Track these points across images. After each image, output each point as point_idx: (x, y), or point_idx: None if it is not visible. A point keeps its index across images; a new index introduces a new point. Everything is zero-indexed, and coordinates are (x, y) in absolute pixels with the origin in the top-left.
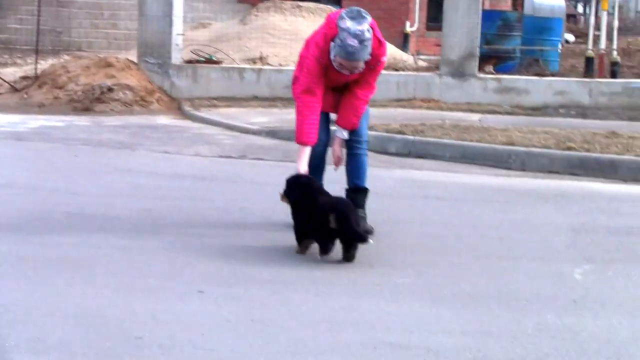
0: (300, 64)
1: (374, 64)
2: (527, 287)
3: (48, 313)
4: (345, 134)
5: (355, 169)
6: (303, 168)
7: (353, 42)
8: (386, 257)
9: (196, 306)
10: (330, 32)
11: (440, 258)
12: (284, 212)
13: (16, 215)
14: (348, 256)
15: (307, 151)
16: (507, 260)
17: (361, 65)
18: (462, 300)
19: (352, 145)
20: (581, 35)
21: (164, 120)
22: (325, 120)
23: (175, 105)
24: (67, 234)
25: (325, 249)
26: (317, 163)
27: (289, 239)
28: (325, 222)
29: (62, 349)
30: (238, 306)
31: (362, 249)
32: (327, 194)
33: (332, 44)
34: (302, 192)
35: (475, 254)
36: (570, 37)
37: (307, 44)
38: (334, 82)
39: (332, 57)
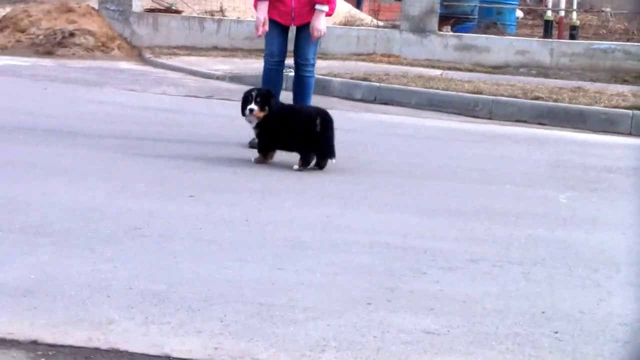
0: None
1: None
2: (515, 207)
3: (47, 205)
4: (324, 8)
5: (301, 90)
6: (263, 16)
7: None
8: (370, 178)
9: (189, 207)
10: None
11: (422, 181)
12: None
13: None
14: (323, 163)
15: (265, 5)
16: (490, 185)
17: None
18: (451, 214)
19: (299, 67)
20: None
21: (126, 65)
22: (280, 34)
23: (136, 52)
24: (51, 146)
25: (307, 160)
26: (272, 75)
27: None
28: (312, 126)
29: (66, 234)
30: (231, 209)
31: (345, 168)
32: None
33: None
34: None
35: (457, 179)
36: (519, 13)
37: None
38: None
39: None
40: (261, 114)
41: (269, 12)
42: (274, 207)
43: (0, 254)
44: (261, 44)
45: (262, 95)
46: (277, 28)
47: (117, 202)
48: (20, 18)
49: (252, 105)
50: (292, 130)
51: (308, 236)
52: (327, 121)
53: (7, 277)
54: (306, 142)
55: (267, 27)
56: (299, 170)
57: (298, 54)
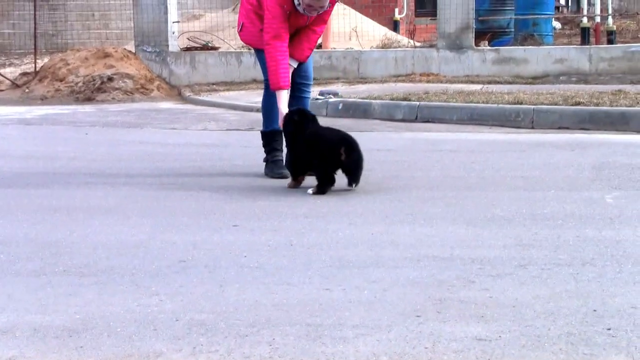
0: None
1: (331, 2)
2: (561, 210)
3: (91, 246)
4: (294, 64)
5: None
6: (285, 110)
7: None
8: (414, 194)
9: (233, 236)
10: None
11: (466, 193)
12: None
13: (42, 176)
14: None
15: (285, 94)
16: (534, 191)
17: (327, 3)
18: (497, 223)
19: (299, 87)
20: (567, 23)
21: (166, 105)
22: None
23: (175, 92)
24: (92, 189)
25: (323, 190)
26: (274, 102)
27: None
28: (336, 155)
29: (110, 272)
30: (275, 234)
31: (389, 187)
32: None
33: None
34: (298, 128)
35: (501, 188)
36: (556, 24)
37: None
38: (293, 27)
39: (297, 1)
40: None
41: None
42: (318, 229)
43: (45, 297)
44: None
45: (301, 115)
46: None
47: (161, 237)
48: (59, 67)
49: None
50: (316, 156)
51: (354, 255)
52: (352, 149)
53: (52, 318)
54: (328, 169)
55: None
56: (312, 195)
57: (300, 73)
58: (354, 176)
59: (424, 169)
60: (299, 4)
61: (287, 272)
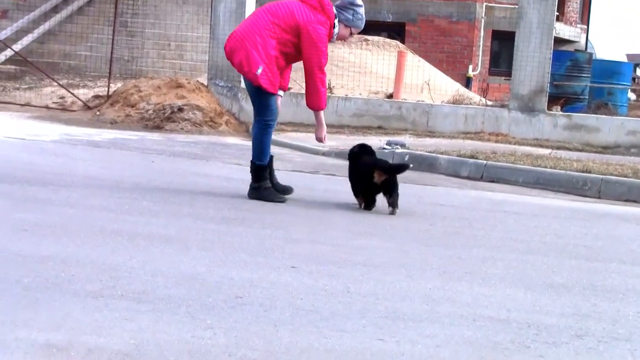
0: (317, 42)
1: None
2: (622, 284)
3: (150, 273)
4: (282, 94)
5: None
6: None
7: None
8: (474, 252)
9: (291, 278)
10: (324, 17)
11: (527, 257)
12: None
13: (106, 199)
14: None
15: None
16: (596, 262)
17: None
18: (556, 290)
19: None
20: None
21: (233, 140)
22: None
23: (244, 128)
24: (156, 217)
25: (369, 205)
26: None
27: (376, 230)
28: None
29: (167, 301)
30: (332, 280)
31: (449, 243)
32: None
33: (337, 19)
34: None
35: (563, 256)
36: (632, 96)
37: (313, 25)
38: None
39: (336, 32)
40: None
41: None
42: (376, 279)
43: (102, 319)
44: (369, 121)
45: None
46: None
47: (219, 271)
48: (131, 93)
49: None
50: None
51: (409, 308)
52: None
53: (107, 341)
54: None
55: None
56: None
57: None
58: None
59: (486, 228)
60: (338, 33)
61: (341, 319)
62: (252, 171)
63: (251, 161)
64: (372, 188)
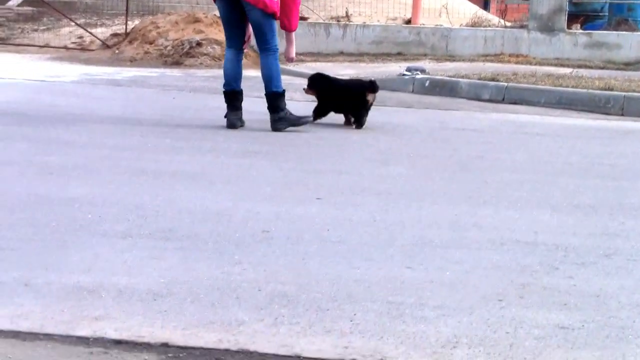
0: None
1: None
2: None
3: (176, 210)
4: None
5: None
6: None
7: None
8: (498, 176)
9: (316, 209)
10: None
11: (552, 178)
12: (379, 132)
13: (129, 138)
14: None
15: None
16: (622, 180)
17: None
18: (583, 210)
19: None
20: None
21: (253, 73)
22: None
23: None
24: (179, 154)
25: (361, 122)
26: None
27: (399, 158)
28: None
29: (194, 238)
30: (358, 210)
31: (473, 167)
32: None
33: None
34: (325, 82)
35: (588, 176)
36: None
37: None
38: None
39: None
40: None
41: None
42: (401, 207)
43: (131, 259)
44: (388, 48)
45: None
46: None
47: (244, 206)
48: (149, 30)
49: None
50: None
51: (436, 235)
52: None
53: (137, 281)
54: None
55: None
56: None
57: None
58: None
59: (509, 151)
60: None
61: (369, 248)
62: (271, 103)
63: (267, 94)
64: (363, 107)
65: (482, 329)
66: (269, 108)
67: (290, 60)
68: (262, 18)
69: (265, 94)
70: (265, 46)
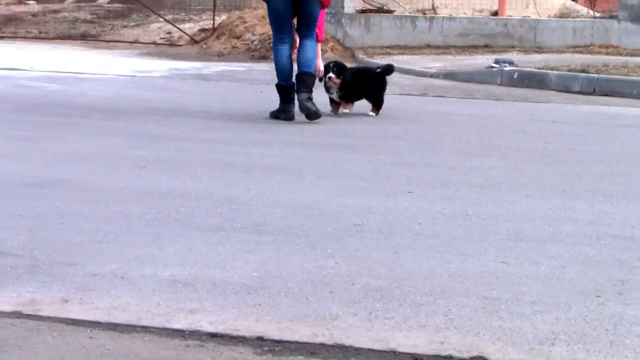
0: None
1: None
2: None
3: (267, 204)
4: None
5: None
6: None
7: None
8: (592, 169)
9: (408, 202)
10: None
11: None
12: (469, 124)
13: (219, 132)
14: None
15: None
16: None
17: None
18: None
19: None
20: None
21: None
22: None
23: (349, 53)
24: (269, 147)
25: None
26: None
27: (490, 151)
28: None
29: (286, 232)
30: (450, 203)
31: (566, 160)
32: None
33: None
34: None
35: None
36: None
37: None
38: None
39: None
40: None
41: None
42: (494, 200)
43: (224, 253)
44: (475, 40)
45: None
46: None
47: (336, 200)
48: (236, 25)
49: None
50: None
51: (531, 229)
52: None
53: (231, 275)
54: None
55: None
56: None
57: None
58: None
59: (602, 143)
60: None
61: (462, 242)
62: (306, 82)
63: (306, 73)
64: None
65: (580, 326)
66: (301, 88)
67: (318, 73)
68: (319, 10)
69: (302, 74)
70: (312, 33)
